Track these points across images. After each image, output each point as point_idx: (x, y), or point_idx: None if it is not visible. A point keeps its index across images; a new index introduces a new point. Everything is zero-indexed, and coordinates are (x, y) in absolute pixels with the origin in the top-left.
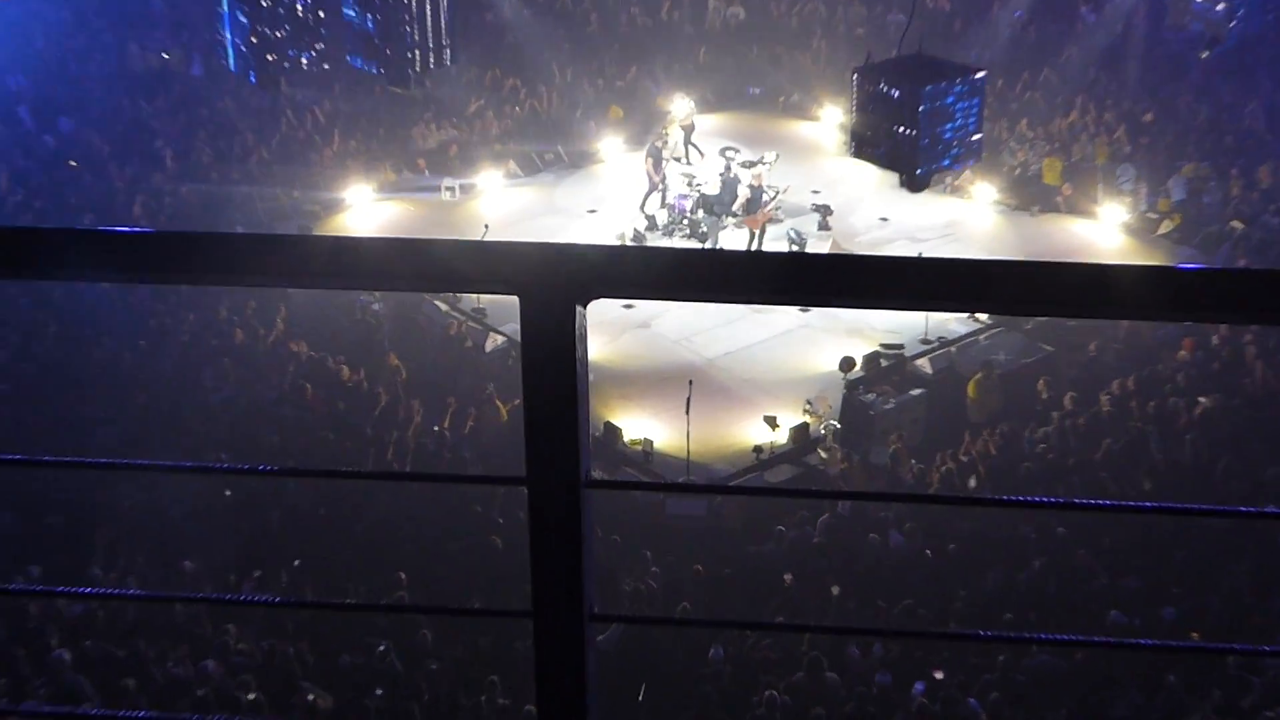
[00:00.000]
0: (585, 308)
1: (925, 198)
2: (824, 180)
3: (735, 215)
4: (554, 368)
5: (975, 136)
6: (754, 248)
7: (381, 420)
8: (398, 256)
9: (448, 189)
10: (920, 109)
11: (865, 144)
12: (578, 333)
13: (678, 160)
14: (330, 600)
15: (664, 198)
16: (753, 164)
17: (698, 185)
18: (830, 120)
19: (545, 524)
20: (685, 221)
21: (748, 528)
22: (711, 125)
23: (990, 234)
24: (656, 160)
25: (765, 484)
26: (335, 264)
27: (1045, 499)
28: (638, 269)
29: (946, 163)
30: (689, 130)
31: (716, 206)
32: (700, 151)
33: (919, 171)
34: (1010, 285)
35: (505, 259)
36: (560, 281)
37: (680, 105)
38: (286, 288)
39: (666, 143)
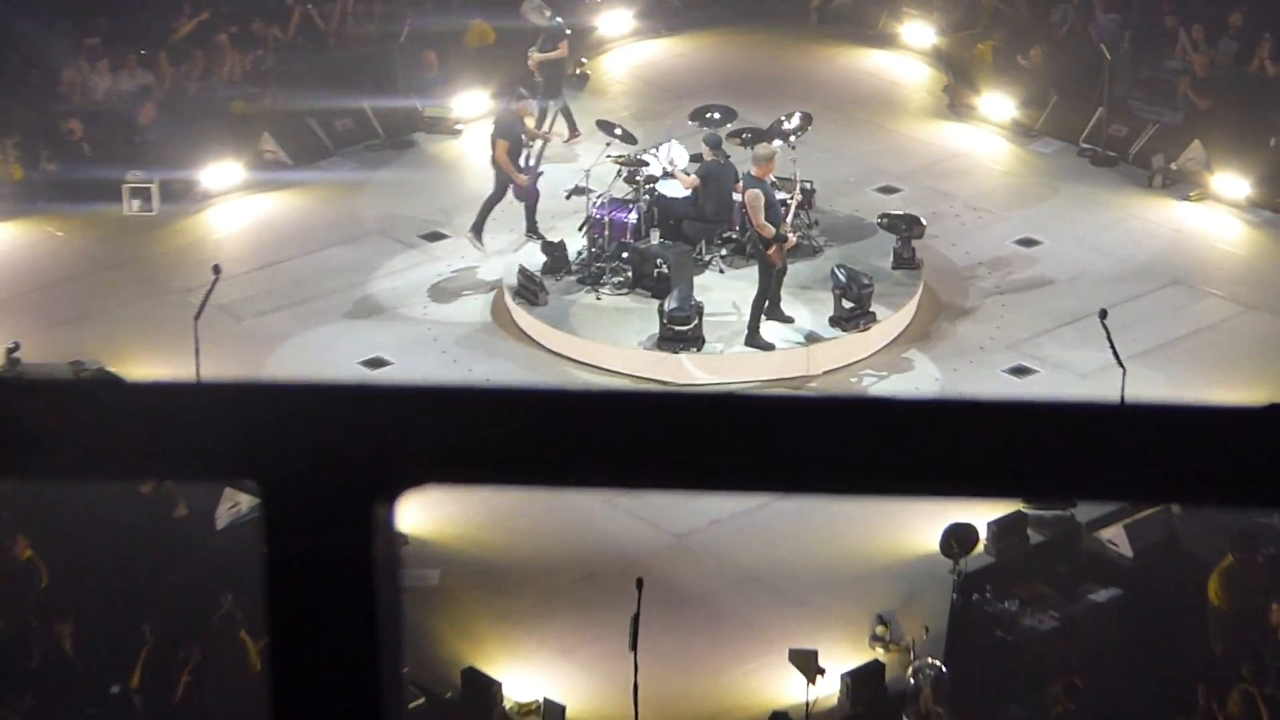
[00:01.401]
0: (393, 505)
1: (1111, 191)
2: (907, 166)
3: (728, 238)
4: (336, 633)
5: None
6: (764, 306)
7: (3, 667)
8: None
9: (135, 192)
10: None
11: None
12: (379, 556)
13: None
14: None
15: (531, 210)
16: (754, 135)
17: (648, 183)
18: (915, 39)
19: None
20: (624, 256)
21: None
22: (671, 62)
23: (1245, 268)
24: (514, 142)
25: None
26: None
27: None
28: (502, 428)
29: None
30: (554, 77)
31: (690, 227)
32: (573, 126)
33: None
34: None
35: (227, 415)
36: (343, 459)
37: (538, 21)
38: None
39: (529, 104)
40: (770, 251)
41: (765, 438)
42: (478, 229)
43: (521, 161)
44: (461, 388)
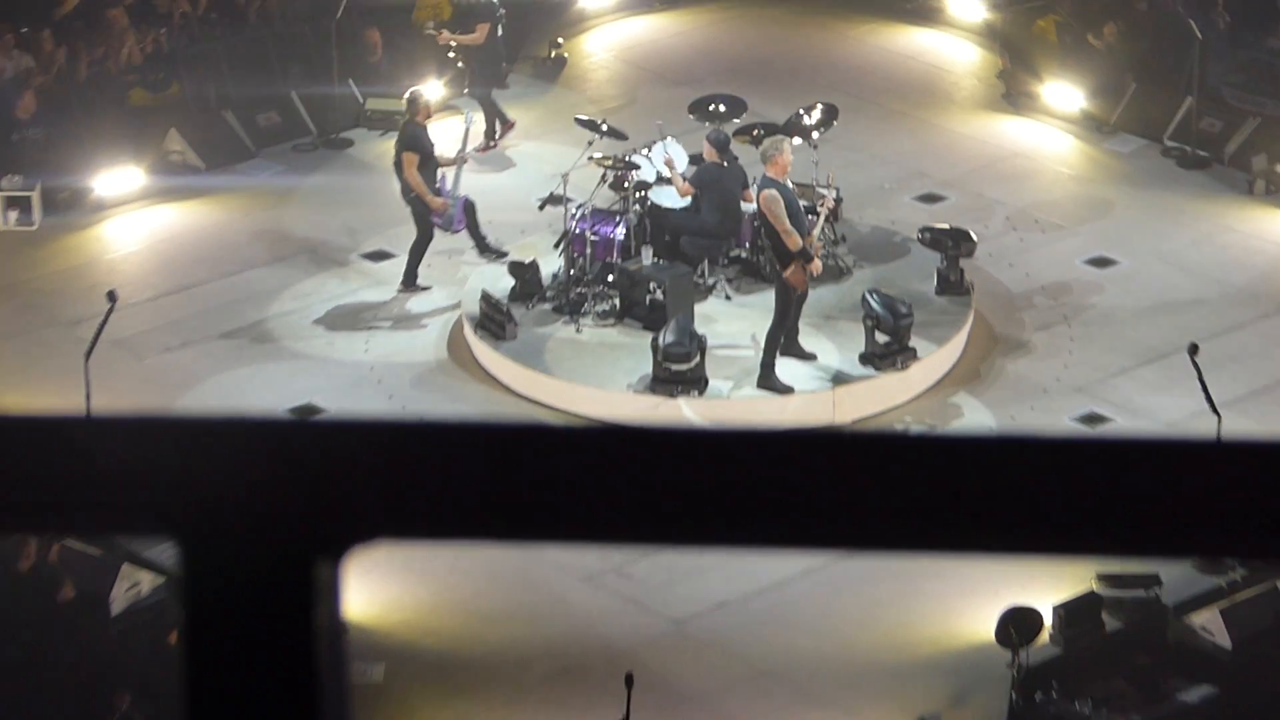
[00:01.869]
0: (338, 565)
1: (1203, 199)
2: (954, 170)
3: (736, 256)
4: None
5: None
6: (780, 340)
7: None
8: None
9: (12, 201)
10: None
11: None
12: (322, 628)
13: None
14: None
15: (474, 230)
16: (768, 132)
17: (639, 190)
18: (964, 14)
19: None
20: (610, 279)
21: None
22: (667, 42)
23: None
24: (425, 154)
25: None
26: None
27: None
28: (470, 472)
29: None
30: (489, 64)
31: (689, 243)
32: (496, 125)
33: None
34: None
35: (135, 456)
36: (278, 509)
37: None
38: None
39: (425, 98)
40: (788, 272)
41: (791, 482)
42: (409, 280)
43: (438, 182)
44: (419, 423)
